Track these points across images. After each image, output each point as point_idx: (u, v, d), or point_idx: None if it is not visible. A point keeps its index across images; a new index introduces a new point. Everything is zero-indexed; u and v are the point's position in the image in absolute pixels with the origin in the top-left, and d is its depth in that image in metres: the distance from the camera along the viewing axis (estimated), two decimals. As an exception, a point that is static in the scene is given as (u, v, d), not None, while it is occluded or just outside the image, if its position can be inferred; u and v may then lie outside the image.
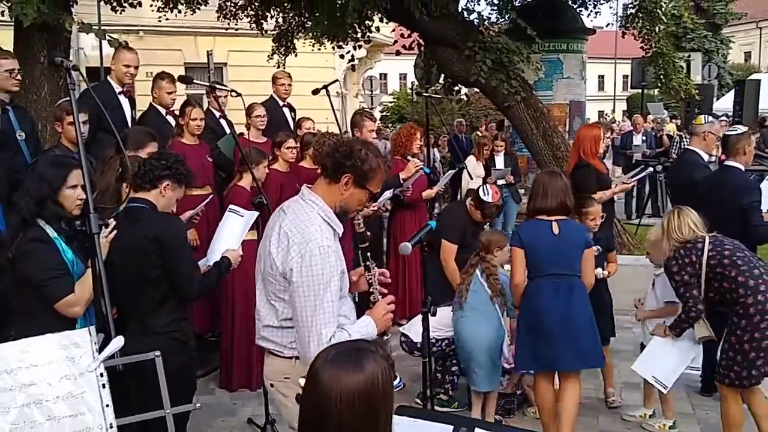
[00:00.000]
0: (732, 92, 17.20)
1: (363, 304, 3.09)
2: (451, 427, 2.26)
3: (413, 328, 4.94)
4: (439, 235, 5.23)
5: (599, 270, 4.74)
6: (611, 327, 5.07)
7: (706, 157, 5.70)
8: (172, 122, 6.12)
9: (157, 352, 2.26)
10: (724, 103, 19.04)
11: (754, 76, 18.93)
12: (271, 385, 2.85)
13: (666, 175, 10.09)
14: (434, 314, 3.51)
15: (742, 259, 4.10)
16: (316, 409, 1.62)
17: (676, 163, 6.82)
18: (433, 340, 4.61)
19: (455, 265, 5.20)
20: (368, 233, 3.22)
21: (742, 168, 5.11)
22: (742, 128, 5.50)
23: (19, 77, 4.84)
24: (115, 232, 3.16)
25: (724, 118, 15.93)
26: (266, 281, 2.75)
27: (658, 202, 12.48)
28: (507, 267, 4.70)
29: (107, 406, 1.98)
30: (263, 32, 10.86)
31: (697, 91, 11.38)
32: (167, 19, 11.71)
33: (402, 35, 10.23)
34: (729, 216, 4.79)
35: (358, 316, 2.89)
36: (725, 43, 36.70)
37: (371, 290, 3.01)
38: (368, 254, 3.07)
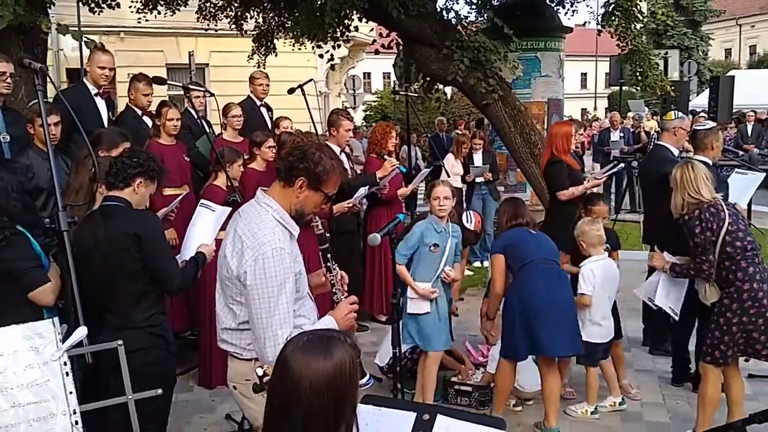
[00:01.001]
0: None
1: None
2: (414, 414, 2.33)
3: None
4: None
5: None
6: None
7: (676, 152, 5.83)
8: (149, 123, 6.17)
9: (120, 342, 2.33)
10: (702, 100, 19.27)
11: (730, 73, 19.15)
12: (234, 388, 2.92)
13: (637, 169, 10.23)
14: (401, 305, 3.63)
15: (751, 244, 4.26)
16: (286, 395, 1.67)
17: (646, 158, 6.94)
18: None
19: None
20: (327, 235, 3.26)
21: (710, 162, 5.24)
22: (711, 124, 5.63)
23: (9, 80, 4.89)
24: None
25: (702, 114, 16.15)
26: (224, 285, 2.81)
27: (636, 197, 12.63)
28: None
29: (71, 393, 2.05)
30: (243, 33, 10.89)
31: (672, 88, 11.49)
32: (147, 20, 11.73)
33: (381, 34, 10.29)
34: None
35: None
36: (705, 40, 37.11)
37: (333, 291, 3.06)
38: (328, 256, 3.08)
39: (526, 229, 4.76)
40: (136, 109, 6.19)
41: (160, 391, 2.56)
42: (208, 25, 10.96)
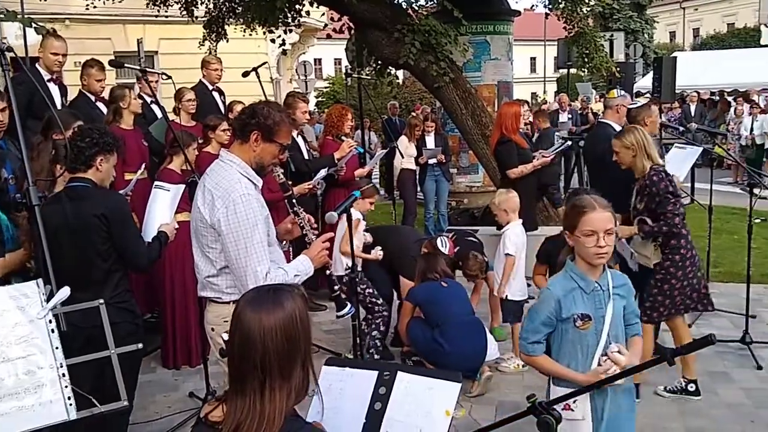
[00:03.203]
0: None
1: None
2: (376, 373, 2.47)
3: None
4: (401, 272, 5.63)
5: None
6: None
7: (618, 129, 6.05)
8: (103, 109, 6.16)
9: (101, 300, 2.43)
10: (647, 81, 19.76)
11: (673, 55, 19.67)
12: (212, 329, 3.10)
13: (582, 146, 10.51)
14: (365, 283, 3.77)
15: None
16: (242, 343, 1.79)
17: (590, 135, 7.19)
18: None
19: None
20: (290, 182, 3.45)
21: (649, 138, 5.47)
22: (641, 101, 5.86)
23: None
24: None
25: (647, 95, 16.61)
26: (198, 235, 3.02)
27: (583, 176, 12.97)
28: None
29: (57, 348, 2.17)
30: (194, 19, 10.84)
31: (618, 69, 11.81)
32: (95, 6, 11.57)
33: (332, 19, 10.36)
34: (634, 181, 5.16)
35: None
36: (650, 23, 37.71)
37: (304, 233, 3.31)
38: (294, 201, 3.34)
39: (438, 283, 5.03)
40: (89, 95, 6.18)
41: (140, 345, 2.67)
42: (158, 11, 10.87)
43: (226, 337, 2.52)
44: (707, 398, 4.78)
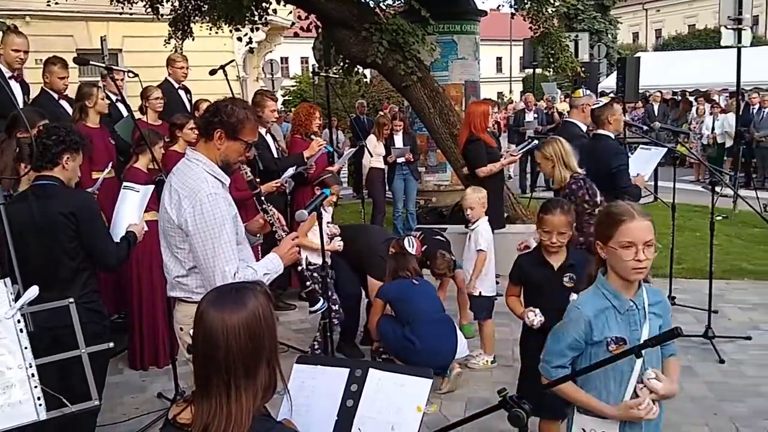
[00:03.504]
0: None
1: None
2: (348, 370, 2.48)
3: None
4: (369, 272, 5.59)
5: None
6: None
7: (584, 128, 6.17)
8: (67, 107, 6.07)
9: (71, 299, 2.39)
10: (611, 81, 20.03)
11: (636, 55, 19.97)
12: (181, 329, 3.07)
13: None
14: (333, 278, 3.77)
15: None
16: (205, 344, 1.77)
17: (556, 134, 7.28)
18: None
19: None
20: (258, 180, 3.43)
21: (611, 136, 5.58)
22: (604, 101, 5.96)
23: None
24: None
25: (611, 94, 16.82)
26: (166, 235, 2.99)
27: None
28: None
29: (26, 348, 2.13)
30: (159, 17, 10.71)
31: (582, 69, 11.96)
32: (57, 3, 11.37)
33: (300, 17, 10.32)
34: (602, 179, 5.26)
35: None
36: (613, 24, 38.26)
37: (274, 230, 3.29)
38: (262, 198, 3.32)
39: (410, 281, 5.08)
40: (52, 93, 6.08)
41: (111, 344, 2.63)
42: (122, 8, 10.73)
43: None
44: (672, 392, 4.87)
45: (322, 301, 3.45)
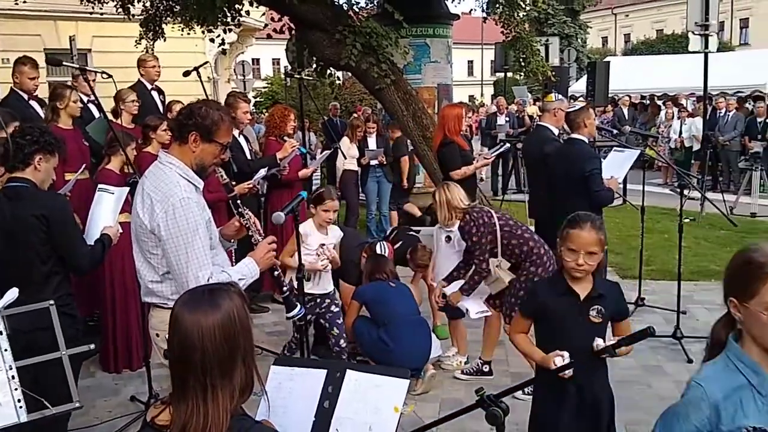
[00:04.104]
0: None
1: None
2: (325, 371, 2.49)
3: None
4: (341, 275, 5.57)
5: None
6: None
7: (556, 132, 6.24)
8: (37, 108, 6.00)
9: (51, 301, 2.38)
10: (581, 85, 20.27)
11: (606, 60, 20.22)
12: (157, 335, 3.02)
13: (521, 148, 10.75)
14: (308, 279, 3.78)
15: (513, 219, 5.02)
16: (181, 347, 1.77)
17: (528, 137, 7.37)
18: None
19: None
20: (233, 182, 3.40)
21: (585, 140, 5.65)
22: (579, 104, 6.04)
23: None
24: None
25: (581, 98, 17.03)
26: (139, 240, 2.94)
27: (521, 177, 13.27)
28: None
29: (6, 350, 2.11)
30: (130, 17, 10.61)
31: (553, 73, 12.10)
32: (24, 1, 11.21)
33: (273, 19, 10.29)
34: (575, 183, 5.35)
35: None
36: (583, 29, 38.71)
37: (250, 234, 3.23)
38: (238, 201, 3.27)
39: (387, 283, 5.13)
40: (21, 93, 6.00)
41: (92, 346, 2.62)
42: (93, 8, 10.61)
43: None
44: (642, 391, 4.97)
45: (299, 307, 3.41)
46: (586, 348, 2.59)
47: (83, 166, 5.27)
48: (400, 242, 5.65)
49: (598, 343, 2.82)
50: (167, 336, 1.84)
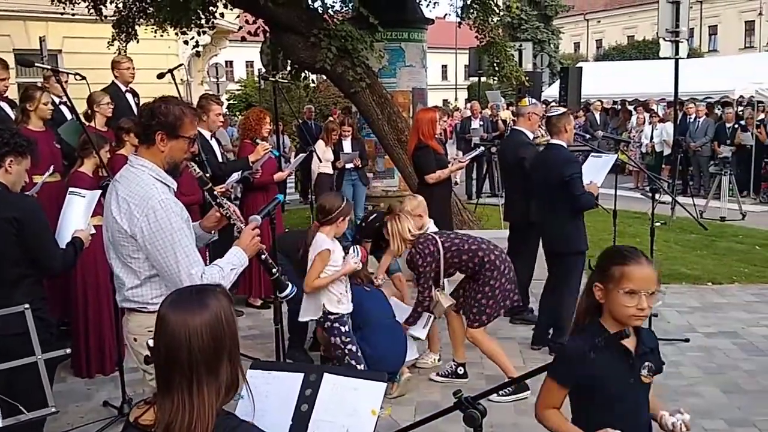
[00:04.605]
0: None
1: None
2: (302, 375, 2.49)
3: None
4: None
5: None
6: None
7: (531, 136, 6.30)
8: (7, 110, 5.92)
9: (26, 305, 2.34)
10: (554, 90, 20.45)
11: (578, 65, 20.43)
12: (135, 339, 2.99)
13: (496, 152, 10.82)
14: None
15: (458, 236, 5.12)
16: (168, 347, 1.77)
17: (504, 142, 7.44)
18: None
19: None
20: (207, 175, 3.35)
21: (565, 145, 5.70)
22: (561, 109, 6.09)
23: None
24: None
25: (554, 104, 17.18)
26: (117, 246, 2.90)
27: (495, 181, 13.36)
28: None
29: None
30: (102, 18, 10.50)
31: (527, 78, 12.20)
32: (-7, 1, 11.06)
33: (247, 21, 10.26)
34: (555, 187, 5.41)
35: None
36: (556, 34, 39.19)
37: (232, 222, 3.19)
38: (215, 193, 3.21)
39: (362, 287, 5.13)
40: (-10, 94, 5.91)
41: (69, 350, 2.58)
42: (64, 8, 10.49)
43: (152, 343, 2.49)
44: (614, 393, 5.01)
45: (291, 285, 3.33)
46: (645, 419, 2.23)
47: (51, 168, 5.19)
48: (374, 216, 5.65)
49: (669, 420, 2.33)
50: (153, 335, 1.83)
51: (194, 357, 1.74)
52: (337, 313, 4.64)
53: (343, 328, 4.64)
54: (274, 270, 3.28)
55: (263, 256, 3.22)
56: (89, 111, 6.38)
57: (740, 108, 16.75)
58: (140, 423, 1.80)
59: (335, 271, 4.55)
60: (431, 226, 5.55)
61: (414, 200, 5.63)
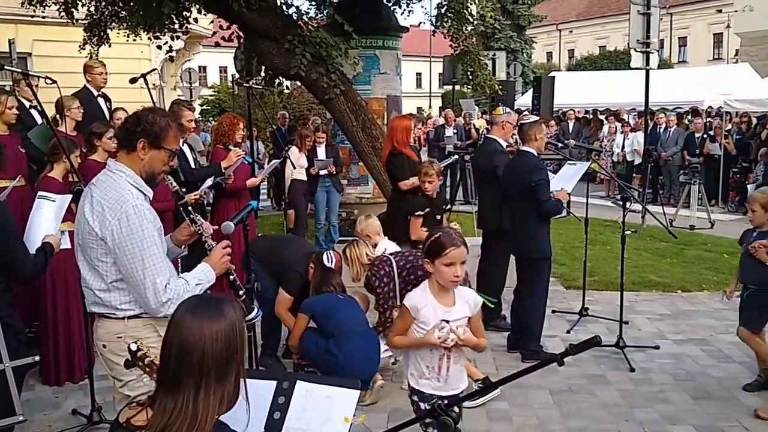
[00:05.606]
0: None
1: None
2: (275, 382, 2.48)
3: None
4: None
5: None
6: None
7: (504, 144, 6.35)
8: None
9: None
10: (527, 99, 20.62)
11: (551, 74, 20.63)
12: (104, 346, 2.95)
13: (470, 160, 10.86)
14: (258, 290, 3.73)
15: (412, 253, 5.20)
16: (180, 349, 1.78)
17: (478, 150, 7.48)
18: None
19: (287, 315, 5.38)
20: (183, 189, 3.34)
21: (535, 152, 5.75)
22: (534, 118, 6.16)
23: None
24: None
25: (526, 112, 17.32)
26: (86, 248, 2.88)
27: (468, 189, 13.43)
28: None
29: None
30: (74, 21, 10.36)
31: (500, 87, 12.29)
32: (-39, 3, 10.87)
33: (221, 27, 10.18)
34: (524, 194, 5.46)
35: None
36: (529, 44, 39.48)
37: (204, 239, 3.19)
38: (189, 208, 3.22)
39: (335, 295, 5.15)
40: (-42, 98, 5.80)
41: (37, 357, 2.54)
42: (34, 11, 10.33)
43: (134, 347, 2.45)
44: (586, 399, 5.06)
45: (256, 309, 3.37)
46: None
47: (20, 175, 5.11)
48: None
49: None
50: (163, 336, 1.84)
51: (207, 362, 1.76)
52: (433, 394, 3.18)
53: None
54: (241, 292, 3.31)
55: (231, 277, 3.23)
56: (57, 115, 6.29)
57: (708, 118, 17.03)
58: (132, 424, 1.81)
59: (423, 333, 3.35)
60: (389, 246, 5.52)
61: (364, 221, 5.66)
